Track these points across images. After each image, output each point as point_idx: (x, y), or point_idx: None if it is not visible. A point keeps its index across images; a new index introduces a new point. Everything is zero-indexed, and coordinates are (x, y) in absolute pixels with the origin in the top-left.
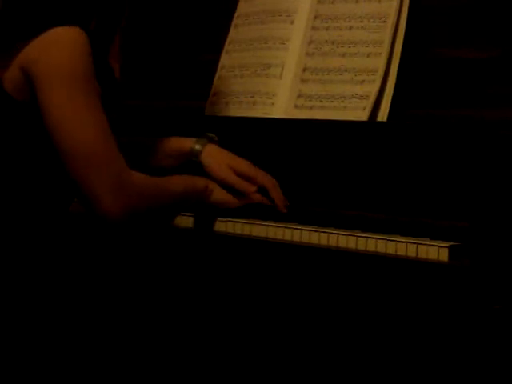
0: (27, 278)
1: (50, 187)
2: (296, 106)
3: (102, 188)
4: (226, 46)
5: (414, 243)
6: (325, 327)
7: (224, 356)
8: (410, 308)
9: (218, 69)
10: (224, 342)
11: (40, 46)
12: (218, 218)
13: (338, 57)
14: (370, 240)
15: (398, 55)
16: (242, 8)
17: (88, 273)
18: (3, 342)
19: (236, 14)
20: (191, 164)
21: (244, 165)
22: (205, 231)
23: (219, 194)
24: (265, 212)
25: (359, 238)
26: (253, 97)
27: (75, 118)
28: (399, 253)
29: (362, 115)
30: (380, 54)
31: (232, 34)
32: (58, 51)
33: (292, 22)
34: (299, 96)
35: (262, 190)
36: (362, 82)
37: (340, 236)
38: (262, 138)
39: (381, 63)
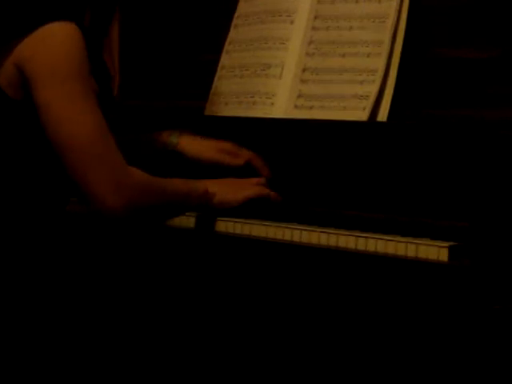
0: (24, 278)
1: (45, 186)
2: (296, 106)
3: (102, 185)
4: (226, 46)
5: (414, 243)
6: (325, 327)
7: (224, 355)
8: (410, 308)
9: (218, 69)
10: (224, 341)
11: (34, 42)
12: (218, 218)
13: (337, 57)
14: (369, 240)
15: (398, 55)
16: (241, 8)
17: (89, 273)
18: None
19: (236, 14)
20: (172, 156)
21: (225, 143)
22: (205, 231)
23: (220, 196)
24: (265, 212)
25: (359, 238)
26: (253, 97)
27: (71, 115)
28: (399, 253)
29: (362, 115)
30: (380, 54)
31: (232, 34)
32: (52, 48)
33: (292, 22)
34: (299, 96)
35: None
36: (362, 82)
37: (340, 236)
38: (262, 138)
39: (381, 63)
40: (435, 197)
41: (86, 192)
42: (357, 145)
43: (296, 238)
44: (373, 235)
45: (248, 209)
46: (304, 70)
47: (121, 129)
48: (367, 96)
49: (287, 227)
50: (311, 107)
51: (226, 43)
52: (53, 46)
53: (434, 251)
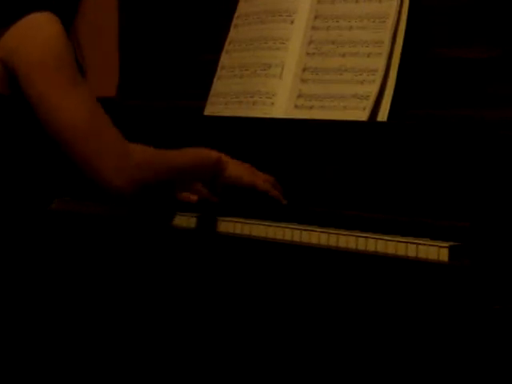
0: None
1: (31, 184)
2: (296, 106)
3: (105, 167)
4: (226, 46)
5: (414, 243)
6: (325, 327)
7: (224, 355)
8: (410, 308)
9: (218, 69)
10: (224, 341)
11: (18, 34)
12: (219, 218)
13: (338, 57)
14: (369, 240)
15: (398, 55)
16: (242, 8)
17: (90, 273)
18: None
19: (236, 14)
20: None
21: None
22: (205, 231)
23: (233, 168)
24: (265, 212)
25: (359, 238)
26: (253, 97)
27: (66, 103)
28: (399, 253)
29: (362, 115)
30: (380, 54)
31: (232, 34)
32: (37, 39)
33: (292, 22)
34: (299, 96)
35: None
36: (362, 82)
37: (340, 236)
38: (262, 138)
39: (381, 63)
40: (435, 197)
41: (91, 176)
42: (357, 145)
43: (296, 238)
44: (373, 235)
45: (248, 208)
46: (304, 70)
47: (120, 129)
48: (367, 96)
49: (287, 227)
50: (311, 107)
51: (226, 43)
52: (38, 37)
53: (434, 251)
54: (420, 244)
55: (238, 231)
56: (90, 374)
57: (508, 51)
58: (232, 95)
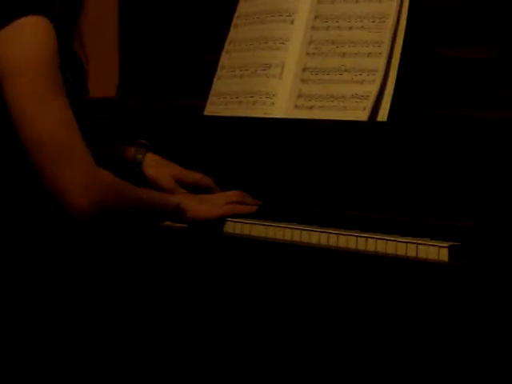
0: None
1: (25, 186)
2: (296, 106)
3: (68, 184)
4: (226, 46)
5: (414, 243)
6: (325, 327)
7: (224, 355)
8: (410, 308)
9: (218, 69)
10: (223, 340)
11: (4, 39)
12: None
13: (337, 57)
14: (369, 240)
15: (398, 55)
16: (242, 8)
17: (89, 274)
18: None
19: (236, 14)
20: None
21: (186, 172)
22: (204, 231)
23: (192, 212)
24: (265, 212)
25: (359, 238)
26: (253, 97)
27: (39, 113)
28: (399, 253)
29: (362, 115)
30: (380, 53)
31: (232, 34)
32: (21, 45)
33: (292, 22)
34: (299, 96)
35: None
36: (362, 82)
37: (340, 236)
38: (262, 138)
39: (381, 63)
40: (435, 197)
41: (52, 191)
42: (357, 145)
43: (296, 238)
44: (373, 235)
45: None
46: (304, 70)
47: (120, 129)
48: (367, 96)
49: (287, 227)
50: (311, 107)
51: (226, 43)
52: (22, 43)
53: (434, 251)
54: (420, 244)
55: (237, 231)
56: (90, 374)
57: (508, 51)
58: (232, 95)
